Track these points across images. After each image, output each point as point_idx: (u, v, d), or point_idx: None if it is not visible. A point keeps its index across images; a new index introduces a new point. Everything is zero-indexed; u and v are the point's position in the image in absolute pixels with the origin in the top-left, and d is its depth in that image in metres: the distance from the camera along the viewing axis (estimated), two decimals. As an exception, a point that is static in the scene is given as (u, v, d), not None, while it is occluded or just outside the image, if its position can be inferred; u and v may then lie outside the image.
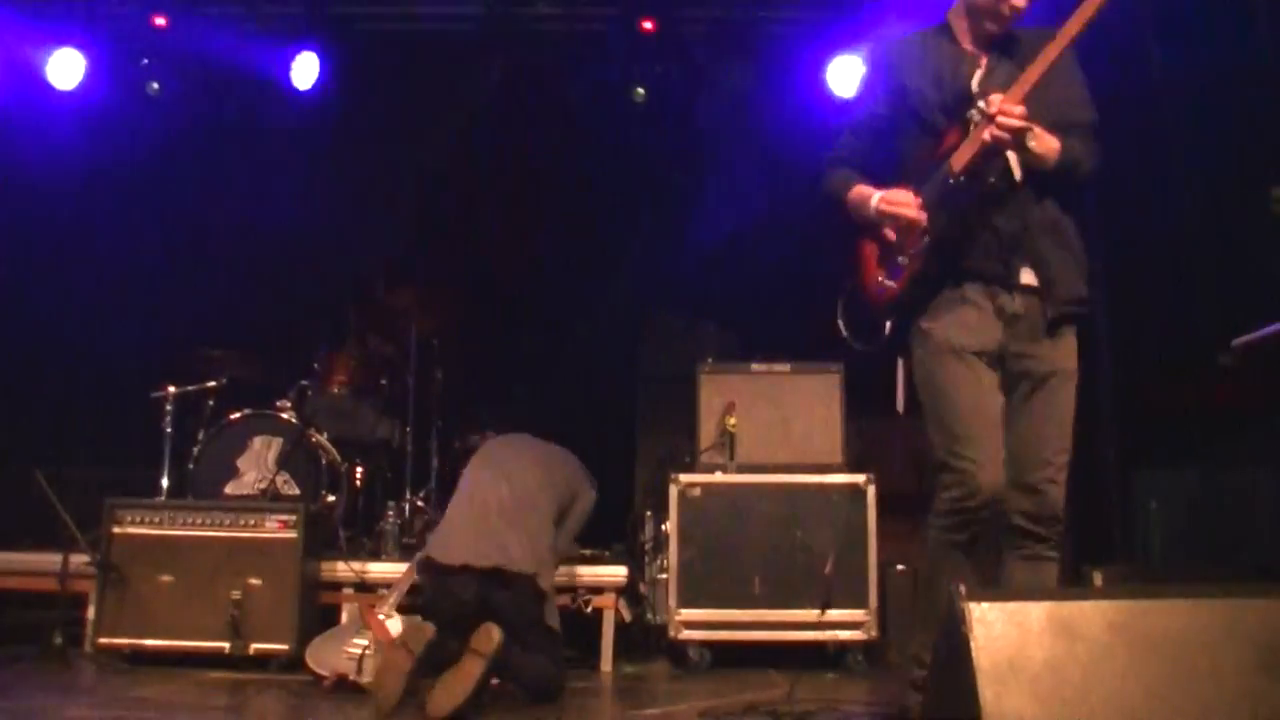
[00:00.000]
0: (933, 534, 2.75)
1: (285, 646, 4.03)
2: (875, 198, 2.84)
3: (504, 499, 3.77)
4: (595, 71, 6.09)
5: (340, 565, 4.43)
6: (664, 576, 4.44)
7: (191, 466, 4.90)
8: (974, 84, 2.76)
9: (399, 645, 3.36)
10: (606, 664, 4.28)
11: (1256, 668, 2.11)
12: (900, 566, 4.65)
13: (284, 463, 4.81)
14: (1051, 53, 2.58)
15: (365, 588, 4.34)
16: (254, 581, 4.09)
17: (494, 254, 6.29)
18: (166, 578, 4.11)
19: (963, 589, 2.22)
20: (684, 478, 4.42)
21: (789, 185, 6.18)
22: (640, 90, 6.01)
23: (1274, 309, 3.45)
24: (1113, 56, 2.82)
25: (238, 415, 4.98)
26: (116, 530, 4.17)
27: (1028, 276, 2.74)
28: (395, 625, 3.74)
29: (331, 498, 4.94)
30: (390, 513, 4.85)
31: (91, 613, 4.16)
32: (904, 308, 2.83)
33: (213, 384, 5.17)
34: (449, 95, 6.10)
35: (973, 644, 2.13)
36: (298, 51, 5.95)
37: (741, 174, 6.31)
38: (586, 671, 4.17)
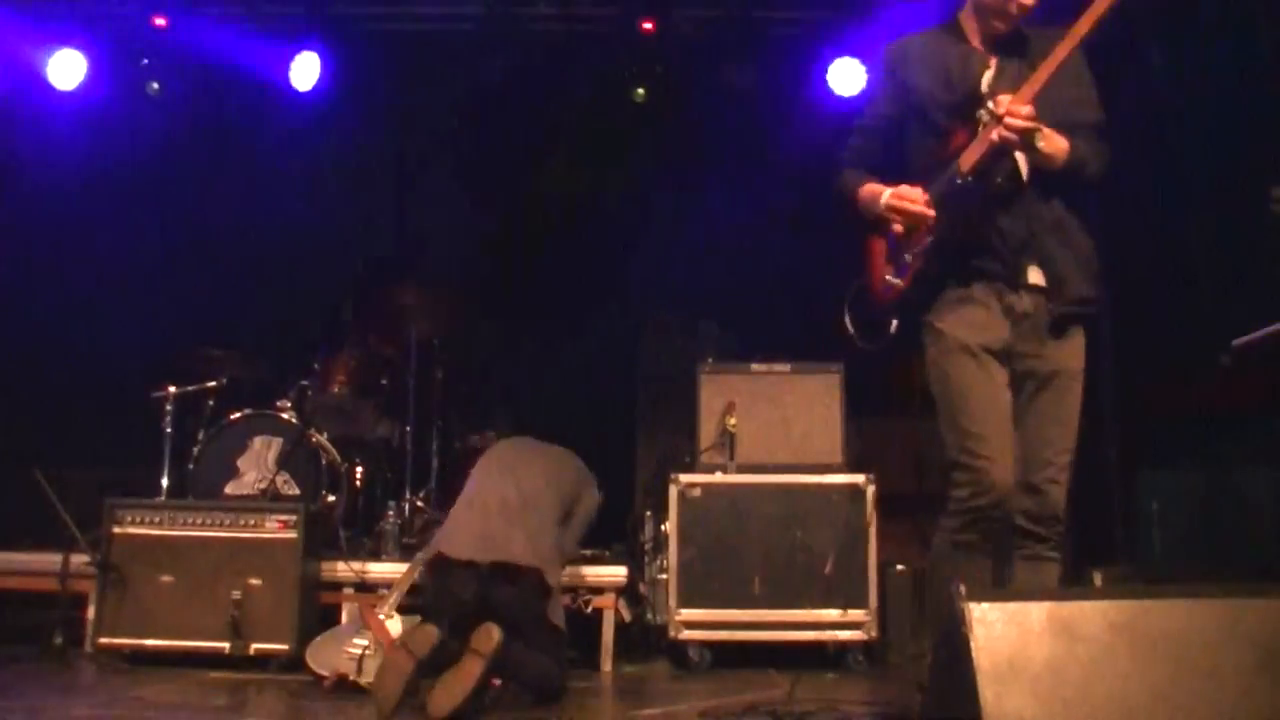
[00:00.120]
0: (942, 534, 2.73)
1: (285, 646, 4.03)
2: (885, 194, 2.84)
3: (509, 498, 3.79)
4: (595, 72, 6.09)
5: (340, 565, 4.43)
6: (664, 576, 4.44)
7: (192, 466, 4.91)
8: (983, 84, 2.75)
9: (401, 647, 3.35)
10: (606, 664, 4.28)
11: (1256, 668, 2.11)
12: (900, 566, 4.65)
13: (284, 463, 4.81)
14: (1060, 53, 2.58)
15: (365, 588, 4.34)
16: (254, 581, 4.08)
17: (494, 254, 6.29)
18: (167, 578, 4.11)
19: (963, 589, 2.23)
20: (684, 478, 4.42)
21: (789, 185, 6.20)
22: (640, 90, 6.01)
23: (1274, 309, 3.45)
24: (1113, 56, 2.80)
25: (238, 415, 4.98)
26: (117, 530, 4.17)
27: (1035, 276, 2.73)
28: (395, 625, 3.74)
29: (332, 498, 4.94)
30: (390, 513, 4.85)
31: (92, 613, 4.17)
32: (910, 306, 2.82)
33: (213, 384, 5.17)
34: (449, 95, 6.10)
35: (973, 644, 2.13)
36: (298, 52, 5.95)
37: (741, 174, 6.31)
38: (587, 671, 4.17)
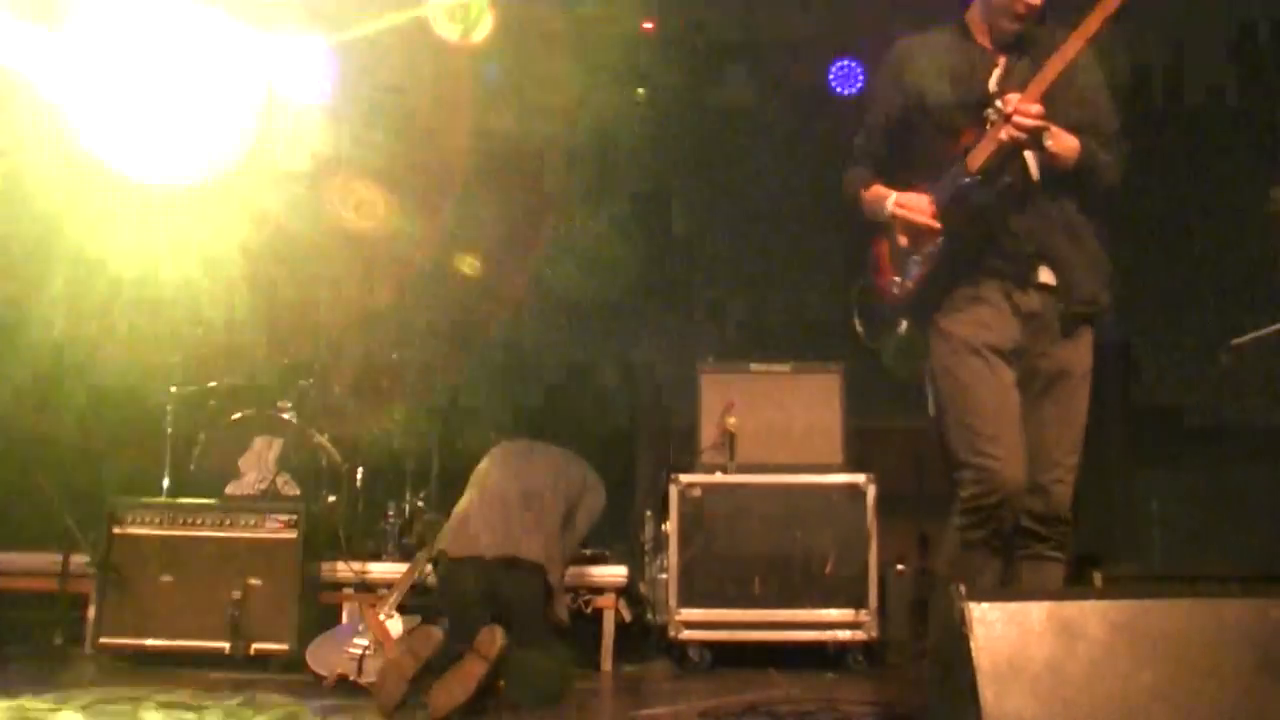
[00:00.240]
0: (951, 533, 2.73)
1: (285, 646, 4.03)
2: (890, 200, 2.84)
3: (512, 496, 3.81)
4: (597, 71, 6.09)
5: (340, 565, 4.43)
6: (664, 576, 4.44)
7: (192, 467, 4.90)
8: (991, 83, 2.75)
9: (405, 649, 3.36)
10: (606, 664, 4.28)
11: (1256, 668, 2.11)
12: (900, 566, 4.66)
13: (285, 463, 4.81)
14: (1069, 51, 2.57)
15: (365, 588, 4.34)
16: (254, 582, 4.09)
17: (494, 254, 6.29)
18: (167, 578, 4.11)
19: (963, 589, 2.22)
20: (684, 478, 4.42)
21: (790, 185, 6.20)
22: (640, 90, 6.01)
23: (1274, 309, 3.45)
24: (1112, 55, 2.80)
25: (239, 415, 4.97)
26: (117, 530, 4.17)
27: (1045, 275, 2.73)
28: (395, 625, 3.74)
29: (332, 498, 4.94)
30: (390, 513, 4.86)
31: (92, 613, 4.16)
32: (918, 306, 2.82)
33: (214, 384, 5.17)
34: (449, 95, 6.10)
35: (973, 644, 2.13)
36: (299, 50, 5.94)
37: (741, 174, 6.31)
38: (587, 671, 4.17)
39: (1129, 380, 4.91)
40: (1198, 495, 4.35)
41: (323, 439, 5.02)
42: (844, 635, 4.25)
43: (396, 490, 5.23)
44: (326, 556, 4.48)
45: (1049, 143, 2.63)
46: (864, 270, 3.01)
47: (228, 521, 4.18)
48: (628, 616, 4.46)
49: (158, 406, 5.07)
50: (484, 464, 4.08)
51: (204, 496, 4.72)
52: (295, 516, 4.19)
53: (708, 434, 4.59)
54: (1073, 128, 2.67)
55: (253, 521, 4.18)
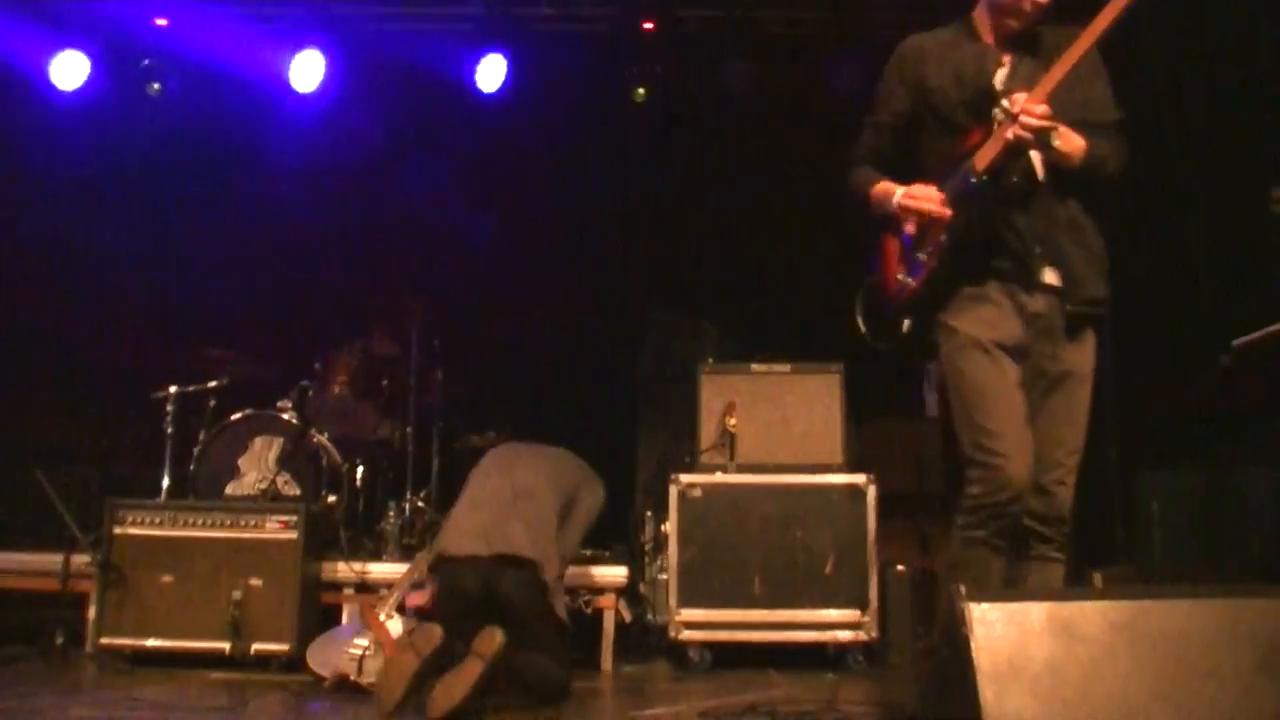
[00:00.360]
0: (957, 532, 2.71)
1: (286, 647, 4.03)
2: (898, 193, 2.83)
3: (505, 494, 3.82)
4: (595, 71, 6.10)
5: (341, 565, 4.43)
6: (664, 577, 4.44)
7: (192, 467, 4.90)
8: (997, 82, 2.74)
9: (407, 647, 3.36)
10: (607, 664, 4.28)
11: (1256, 668, 2.11)
12: (900, 566, 4.66)
13: (285, 463, 4.81)
14: (1076, 51, 2.55)
15: (366, 588, 4.34)
16: (255, 582, 4.09)
17: (494, 254, 6.30)
18: (167, 578, 4.11)
19: (963, 589, 2.23)
20: (684, 478, 4.42)
21: (790, 185, 6.20)
22: (640, 90, 6.01)
23: (1274, 309, 3.45)
24: (1113, 55, 2.79)
25: (239, 415, 4.98)
26: (117, 530, 4.17)
27: (1050, 276, 2.72)
28: (396, 626, 3.74)
29: (332, 498, 4.94)
30: (391, 513, 4.86)
31: (92, 613, 4.16)
32: (923, 305, 2.81)
33: (214, 384, 5.17)
34: (449, 95, 6.10)
35: (973, 644, 2.13)
36: (299, 51, 5.95)
37: (741, 174, 6.31)
38: (587, 671, 4.17)
39: (1128, 380, 4.91)
40: (1198, 495, 4.35)
41: (323, 439, 5.03)
42: (844, 635, 4.25)
43: (396, 490, 5.24)
44: (326, 556, 4.48)
45: (1056, 142, 2.62)
46: (869, 269, 3.01)
47: (228, 521, 4.18)
48: (628, 616, 4.46)
49: (157, 406, 5.07)
50: (479, 465, 4.09)
51: (204, 496, 4.74)
52: (295, 516, 4.19)
53: (708, 434, 4.59)
54: (1077, 123, 2.66)
55: (253, 521, 4.18)
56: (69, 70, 5.92)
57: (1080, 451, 2.76)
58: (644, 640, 4.58)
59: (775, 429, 4.55)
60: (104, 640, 4.07)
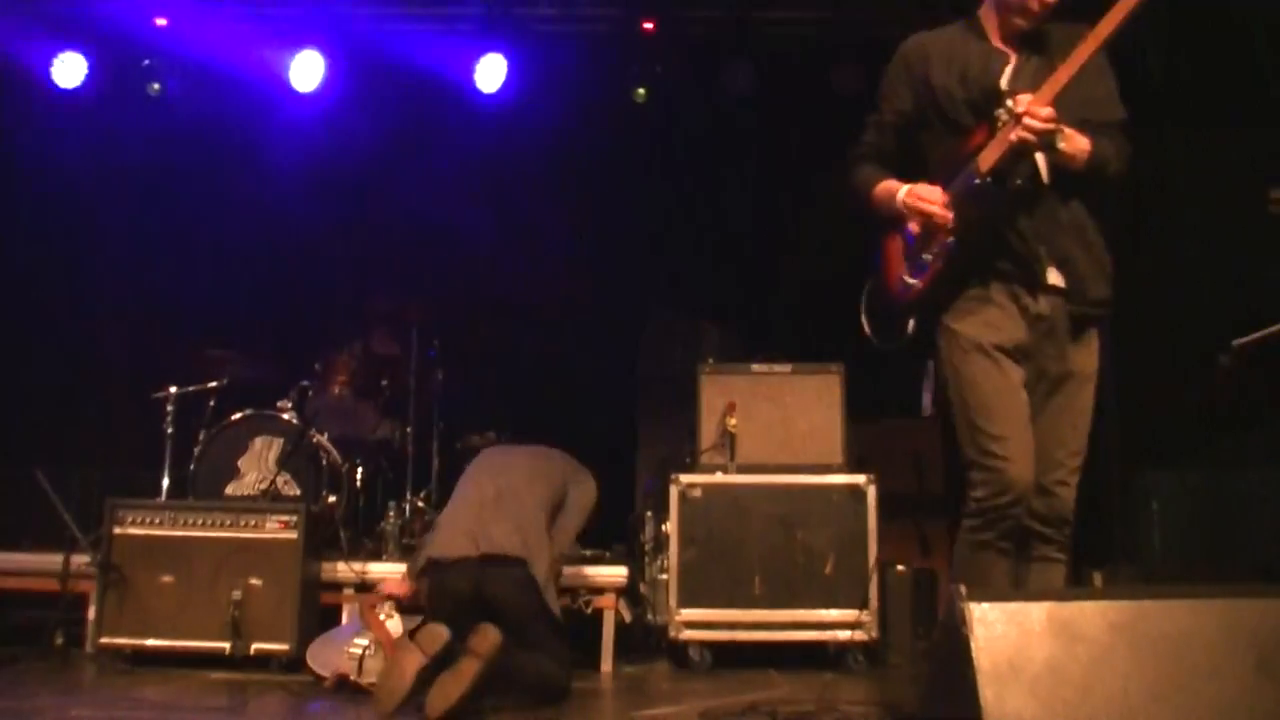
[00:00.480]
0: (963, 536, 2.71)
1: (286, 647, 4.04)
2: (902, 191, 2.82)
3: (491, 494, 3.83)
4: (595, 71, 6.10)
5: (341, 565, 4.43)
6: (664, 577, 4.44)
7: (192, 467, 4.90)
8: (1003, 82, 2.72)
9: (411, 647, 3.35)
10: (607, 664, 4.28)
11: (1256, 668, 2.11)
12: (900, 566, 4.66)
13: (285, 463, 4.81)
14: (1083, 53, 2.53)
15: (366, 588, 4.34)
16: (255, 582, 4.09)
17: (494, 254, 6.30)
18: (167, 578, 4.11)
19: (963, 589, 2.22)
20: (684, 478, 4.42)
21: (790, 185, 6.21)
22: (640, 90, 6.01)
23: (1274, 309, 3.45)
24: (1114, 54, 2.79)
25: (239, 416, 4.97)
26: (117, 530, 4.17)
27: (1054, 277, 2.71)
28: (396, 625, 3.74)
29: (332, 498, 4.94)
30: (391, 513, 4.87)
31: (92, 613, 4.17)
32: (927, 306, 2.80)
33: (214, 384, 5.17)
34: (449, 95, 6.10)
35: (973, 644, 2.13)
36: (300, 51, 5.96)
37: (741, 174, 6.31)
38: (587, 671, 4.17)
39: (1128, 380, 4.91)
40: (1198, 495, 4.34)
41: (323, 439, 5.03)
42: (844, 635, 4.25)
43: (396, 490, 5.24)
44: (326, 556, 4.48)
45: (1061, 144, 2.60)
46: (872, 269, 3.00)
47: (228, 521, 4.18)
48: (628, 617, 4.46)
49: (157, 406, 5.08)
50: (465, 471, 4.11)
51: (204, 497, 4.74)
52: (295, 516, 4.19)
53: (708, 434, 4.59)
54: (1080, 122, 2.65)
55: (253, 521, 4.18)
56: (69, 70, 5.92)
57: (1083, 452, 2.76)
58: (644, 640, 4.58)
59: (775, 429, 4.55)
60: (104, 640, 4.07)
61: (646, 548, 4.76)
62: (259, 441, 4.92)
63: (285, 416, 4.97)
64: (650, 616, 4.58)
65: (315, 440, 4.94)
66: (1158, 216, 4.82)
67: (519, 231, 6.30)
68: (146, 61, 5.98)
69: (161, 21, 5.92)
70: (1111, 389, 4.89)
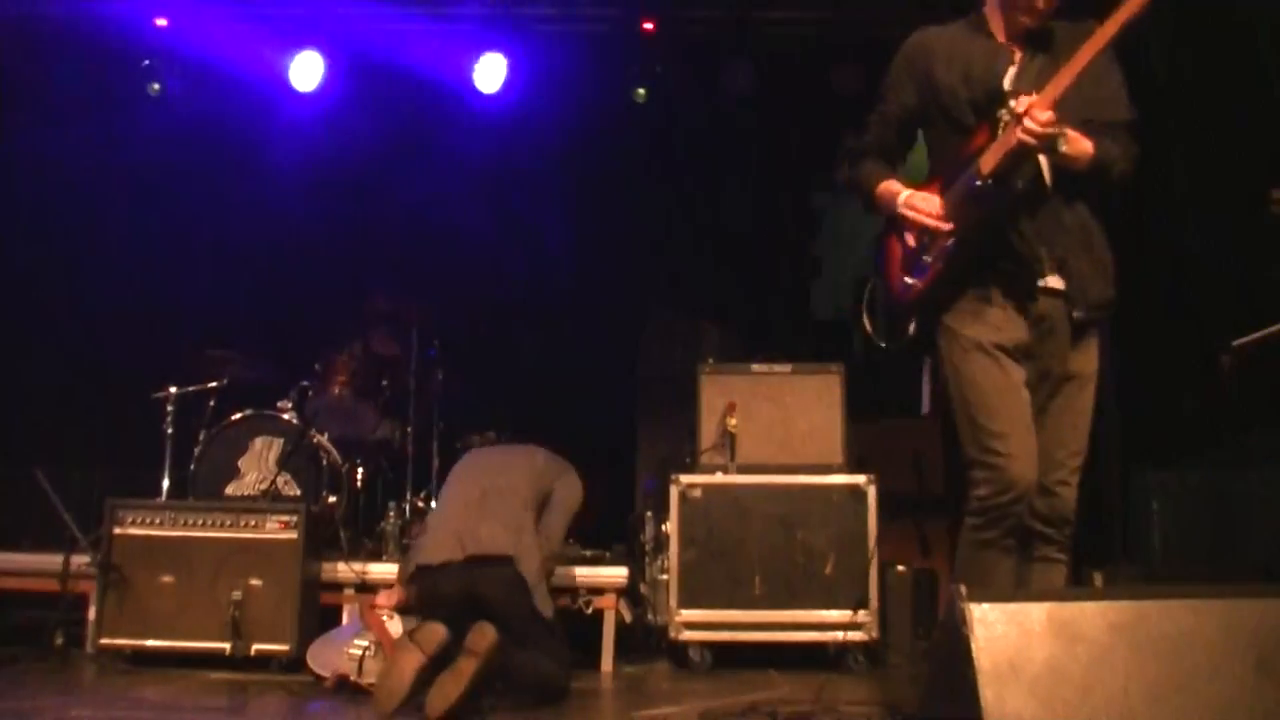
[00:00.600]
0: (967, 535, 2.71)
1: (286, 647, 4.03)
2: (901, 198, 2.82)
3: (477, 495, 3.85)
4: (595, 71, 6.10)
5: (341, 566, 4.43)
6: (664, 577, 4.44)
7: (192, 467, 4.91)
8: (1006, 82, 2.70)
9: (410, 646, 3.36)
10: (607, 664, 4.28)
11: (1256, 668, 2.11)
12: (900, 567, 4.66)
13: (285, 463, 4.81)
14: (1086, 54, 2.50)
15: (366, 588, 4.34)
16: (255, 582, 4.09)
17: (494, 254, 6.30)
18: (167, 578, 4.11)
19: (963, 589, 2.22)
20: (684, 478, 4.42)
21: (790, 185, 6.21)
22: (640, 90, 6.01)
23: (1274, 309, 3.45)
24: (1122, 54, 2.78)
25: (239, 416, 4.98)
26: (117, 531, 4.17)
27: (1054, 281, 2.70)
28: (396, 626, 3.74)
29: (332, 498, 4.94)
30: (391, 513, 4.87)
31: (92, 613, 4.16)
32: (928, 307, 2.80)
33: (214, 384, 5.17)
34: (449, 94, 6.10)
35: (973, 644, 2.13)
36: (299, 52, 5.96)
37: (741, 174, 6.31)
38: (587, 672, 4.17)
39: (1128, 380, 4.91)
40: (1198, 495, 4.34)
41: (323, 439, 5.03)
42: (844, 635, 4.25)
43: (396, 490, 5.24)
44: (326, 556, 4.48)
45: (1063, 147, 2.58)
46: (875, 268, 3.00)
47: (228, 522, 4.18)
48: (628, 617, 4.46)
49: (157, 406, 5.08)
50: (450, 474, 4.13)
51: (204, 497, 4.73)
52: (295, 516, 4.18)
53: (708, 434, 4.59)
54: (1086, 121, 2.64)
55: (253, 521, 4.18)
56: (70, 70, 5.93)
57: (1083, 453, 2.76)
58: (644, 640, 4.58)
59: (775, 429, 4.55)
60: (104, 640, 4.07)
61: (646, 548, 4.76)
62: (259, 442, 4.92)
63: (285, 417, 4.98)
64: (650, 617, 4.58)
65: (315, 440, 4.94)
66: (1158, 216, 4.82)
67: (519, 231, 6.30)
68: (146, 61, 5.98)
69: (161, 22, 5.92)
70: (1111, 389, 4.90)
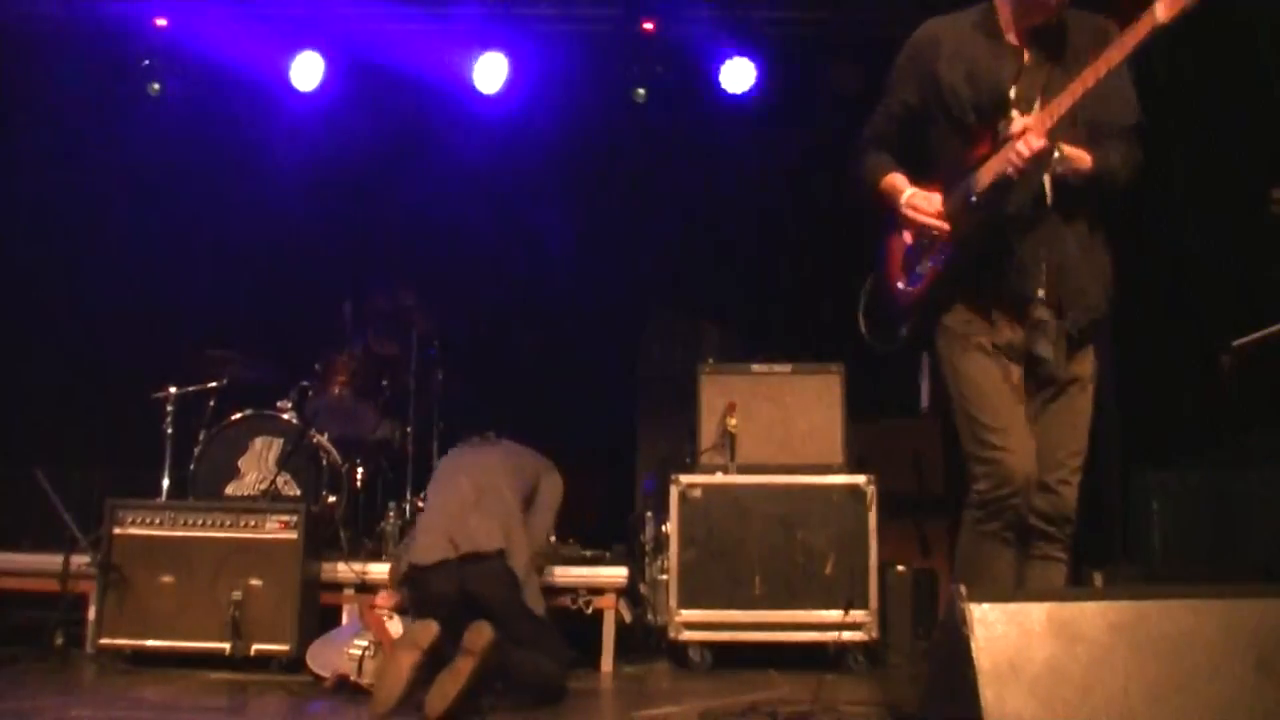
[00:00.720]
0: (968, 527, 2.71)
1: (286, 647, 4.03)
2: (904, 196, 2.81)
3: (464, 494, 3.85)
4: (595, 71, 6.10)
5: (341, 566, 4.43)
6: (664, 577, 4.44)
7: (192, 467, 4.91)
8: (1011, 90, 2.67)
9: (406, 644, 3.36)
10: (607, 664, 4.28)
11: (1256, 668, 2.11)
12: (900, 567, 4.66)
13: (285, 463, 4.81)
14: (1090, 78, 2.46)
15: (366, 588, 4.34)
16: (255, 582, 4.09)
17: (494, 254, 6.30)
18: (167, 578, 4.11)
19: (963, 589, 2.22)
20: (685, 478, 4.42)
21: (790, 185, 6.20)
22: (640, 90, 6.01)
23: (1274, 309, 3.45)
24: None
25: (239, 416, 4.98)
26: (117, 531, 4.17)
27: (1051, 290, 2.68)
28: (395, 626, 3.74)
29: (332, 498, 4.94)
30: (391, 513, 4.87)
31: (92, 613, 4.16)
32: (926, 307, 2.80)
33: (214, 384, 5.17)
34: (449, 94, 6.10)
35: (973, 644, 2.13)
36: (299, 52, 5.96)
37: (741, 174, 6.31)
38: (587, 672, 4.17)
39: (1128, 380, 4.91)
40: (1198, 495, 4.34)
41: (323, 439, 5.03)
42: (844, 635, 4.25)
43: (396, 490, 5.24)
44: (326, 556, 4.48)
45: (1058, 169, 2.59)
46: (873, 268, 3.00)
47: (228, 522, 4.18)
48: (628, 617, 4.46)
49: (157, 406, 5.08)
50: (435, 474, 4.13)
51: (204, 497, 4.73)
52: (295, 516, 4.18)
53: (708, 434, 4.59)
54: (1091, 123, 2.63)
55: (253, 521, 4.18)
56: (71, 70, 5.93)
57: (1083, 452, 2.77)
58: (644, 640, 4.58)
59: (775, 429, 4.55)
60: (104, 640, 4.07)
61: (646, 548, 4.76)
62: (259, 442, 4.92)
63: (285, 417, 4.98)
64: (650, 617, 4.58)
65: (315, 440, 4.94)
66: (1158, 216, 4.82)
67: (519, 231, 6.30)
68: (146, 61, 5.98)
69: (161, 22, 5.92)
70: (1111, 389, 4.90)
